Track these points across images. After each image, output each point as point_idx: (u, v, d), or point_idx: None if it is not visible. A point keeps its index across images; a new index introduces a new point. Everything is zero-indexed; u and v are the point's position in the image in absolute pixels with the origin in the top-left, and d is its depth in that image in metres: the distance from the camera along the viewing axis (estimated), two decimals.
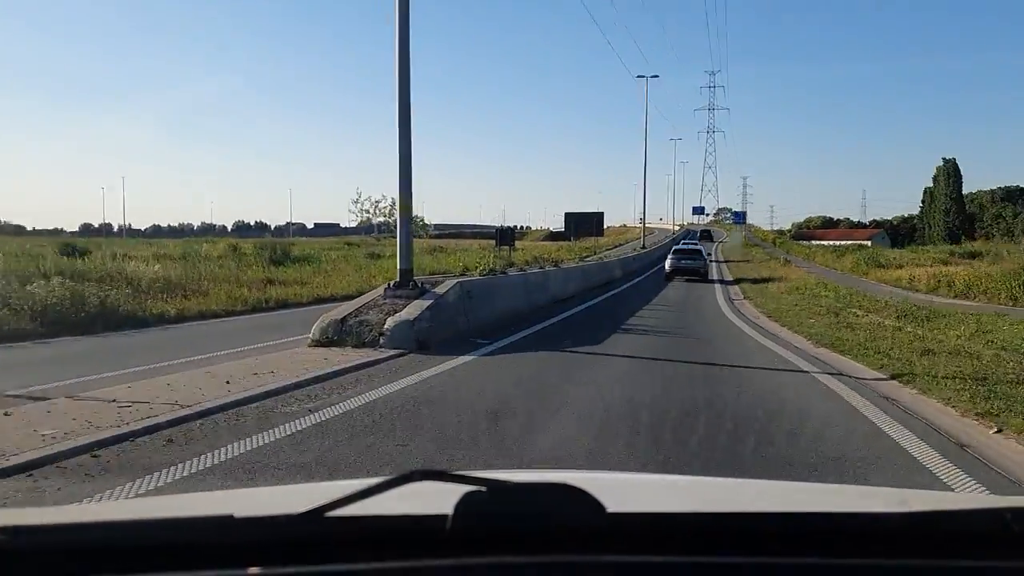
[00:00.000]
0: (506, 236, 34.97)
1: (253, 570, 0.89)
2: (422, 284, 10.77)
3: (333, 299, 16.50)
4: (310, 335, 9.55)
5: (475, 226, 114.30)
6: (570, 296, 18.74)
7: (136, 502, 2.52)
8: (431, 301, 10.10)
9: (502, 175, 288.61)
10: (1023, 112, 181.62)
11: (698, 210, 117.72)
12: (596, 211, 49.84)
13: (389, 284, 10.57)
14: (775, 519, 1.06)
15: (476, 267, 13.16)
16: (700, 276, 27.36)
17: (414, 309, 9.78)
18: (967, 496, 3.63)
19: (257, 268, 24.68)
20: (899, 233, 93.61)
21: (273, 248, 33.18)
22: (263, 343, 10.34)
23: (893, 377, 7.68)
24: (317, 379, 7.06)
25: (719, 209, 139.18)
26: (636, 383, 7.49)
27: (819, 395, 6.98)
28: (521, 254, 40.53)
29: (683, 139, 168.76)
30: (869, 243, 71.44)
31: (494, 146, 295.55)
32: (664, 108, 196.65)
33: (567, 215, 49.23)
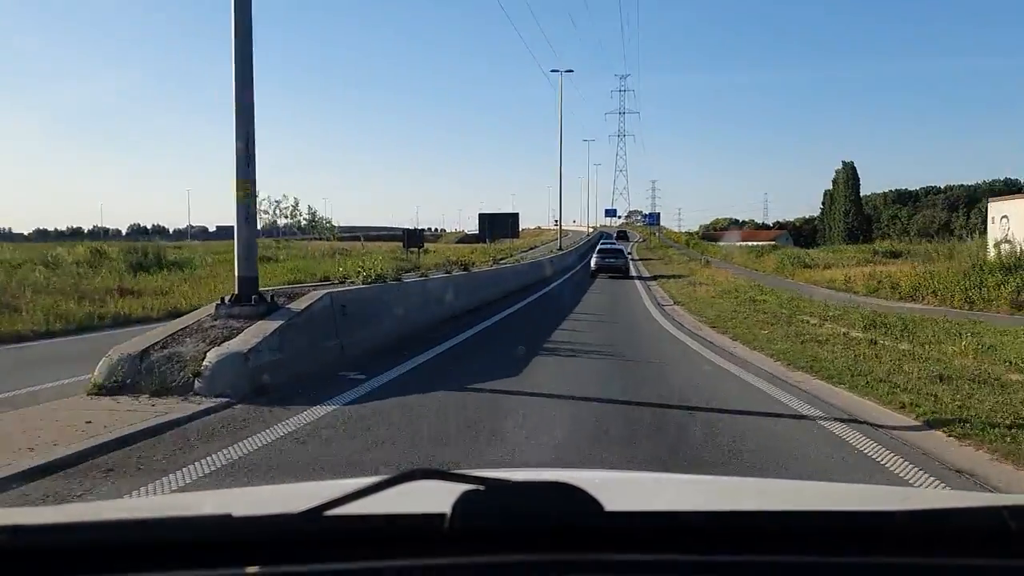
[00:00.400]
0: (415, 238, 32.28)
1: (252, 569, 0.89)
2: (272, 298, 7.81)
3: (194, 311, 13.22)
4: (92, 376, 6.46)
5: (387, 228, 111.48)
6: (482, 305, 16.10)
7: (136, 501, 2.41)
8: (281, 322, 7.18)
9: (416, 177, 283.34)
10: (911, 118, 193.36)
11: (610, 212, 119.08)
12: (511, 212, 47.81)
13: (223, 299, 7.55)
14: (774, 517, 1.06)
15: (362, 272, 10.24)
16: (622, 273, 29.25)
17: (252, 335, 6.83)
18: (966, 494, 3.27)
19: (111, 276, 20.82)
20: (801, 234, 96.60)
21: (144, 252, 28.96)
22: (43, 383, 7.17)
23: (931, 425, 5.40)
24: (25, 474, 4.05)
25: (630, 212, 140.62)
26: (575, 451, 4.87)
27: (854, 465, 4.55)
28: (432, 256, 37.59)
29: (596, 140, 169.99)
30: (773, 244, 72.76)
31: (408, 147, 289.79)
32: (577, 112, 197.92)
33: (481, 216, 46.93)
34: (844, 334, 10.87)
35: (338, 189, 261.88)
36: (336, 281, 10.41)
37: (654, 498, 1.43)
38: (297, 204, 56.79)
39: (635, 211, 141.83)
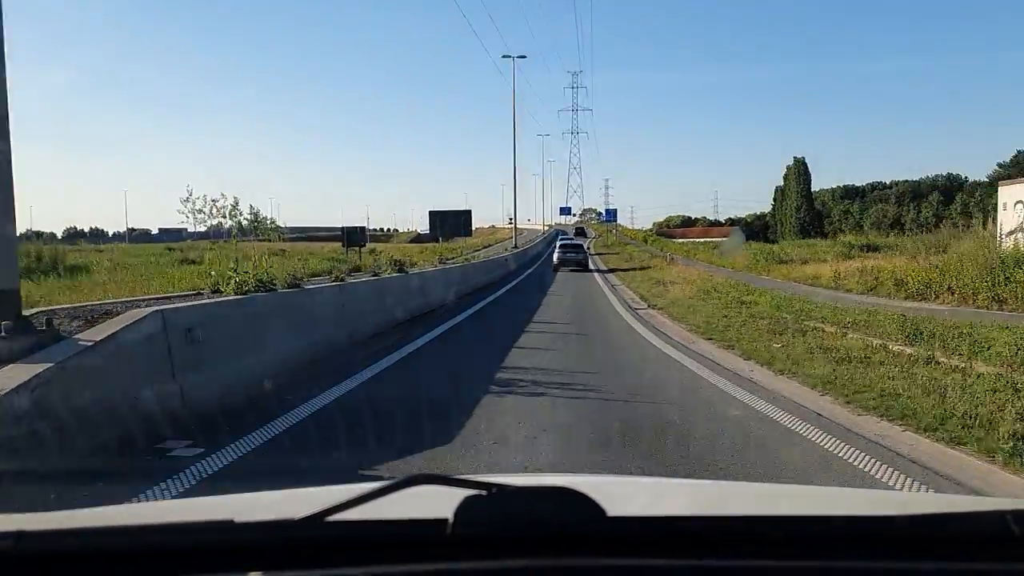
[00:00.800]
0: (355, 236, 29.23)
1: (254, 574, 0.89)
2: (50, 323, 4.83)
3: None
4: None
5: (336, 228, 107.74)
6: (421, 314, 13.24)
7: (138, 507, 2.42)
8: (48, 366, 4.22)
9: (368, 177, 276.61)
10: (857, 116, 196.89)
11: (565, 210, 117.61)
12: (463, 209, 44.67)
13: None
14: (776, 522, 1.07)
15: (233, 279, 7.15)
16: (582, 267, 31.39)
17: None
18: (967, 498, 3.20)
19: None
20: (753, 230, 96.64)
21: (38, 255, 25.28)
22: None
23: None
24: None
25: (584, 210, 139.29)
26: None
27: None
28: (374, 257, 34.54)
29: (550, 136, 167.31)
30: (727, 239, 72.23)
31: (358, 147, 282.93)
32: (531, 109, 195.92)
33: (431, 214, 43.69)
34: (883, 348, 8.38)
35: (292, 191, 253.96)
36: (209, 290, 7.44)
37: (656, 503, 1.40)
38: (237, 203, 53.03)
39: (589, 209, 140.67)
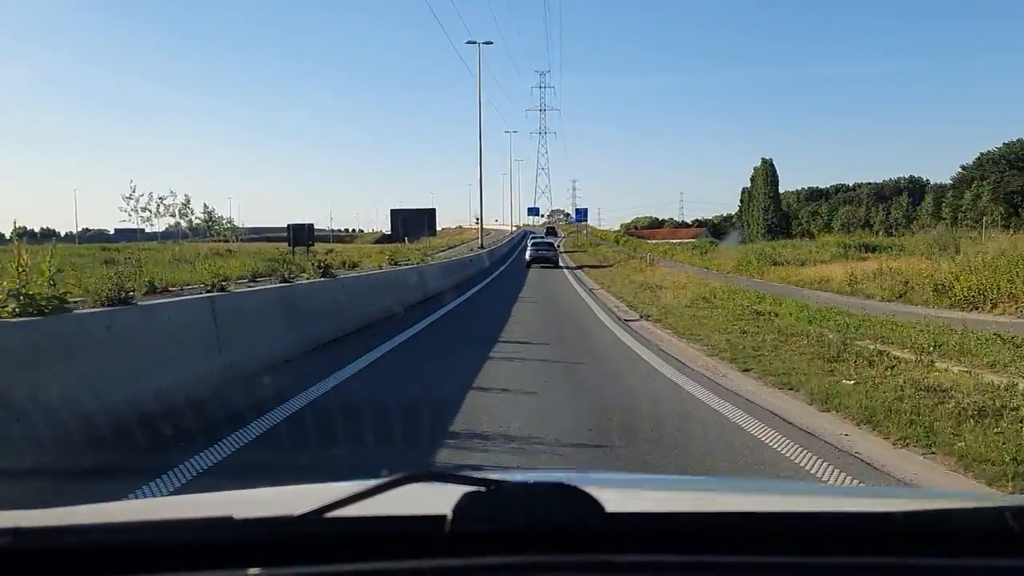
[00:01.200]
0: (301, 235, 26.08)
1: (253, 571, 0.88)
2: None
3: None
4: None
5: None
6: (357, 329, 10.23)
7: (136, 503, 2.35)
8: None
9: (333, 177, 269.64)
10: (819, 119, 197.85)
11: (533, 211, 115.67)
12: (427, 208, 41.46)
13: None
14: (776, 518, 1.05)
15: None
16: (552, 263, 32.68)
17: None
18: (968, 494, 3.07)
19: None
20: (720, 231, 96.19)
21: None
22: None
23: None
24: None
25: (553, 211, 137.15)
26: None
27: None
28: (314, 258, 31.19)
29: (517, 133, 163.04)
30: (695, 241, 70.90)
31: (323, 147, 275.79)
32: (498, 109, 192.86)
33: (393, 212, 40.49)
34: (1009, 389, 5.65)
35: (259, 193, 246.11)
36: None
37: (655, 499, 1.35)
38: (189, 202, 48.51)
39: (558, 210, 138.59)
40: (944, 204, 73.00)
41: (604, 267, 32.47)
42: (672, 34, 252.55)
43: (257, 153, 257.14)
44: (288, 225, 30.87)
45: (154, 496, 3.53)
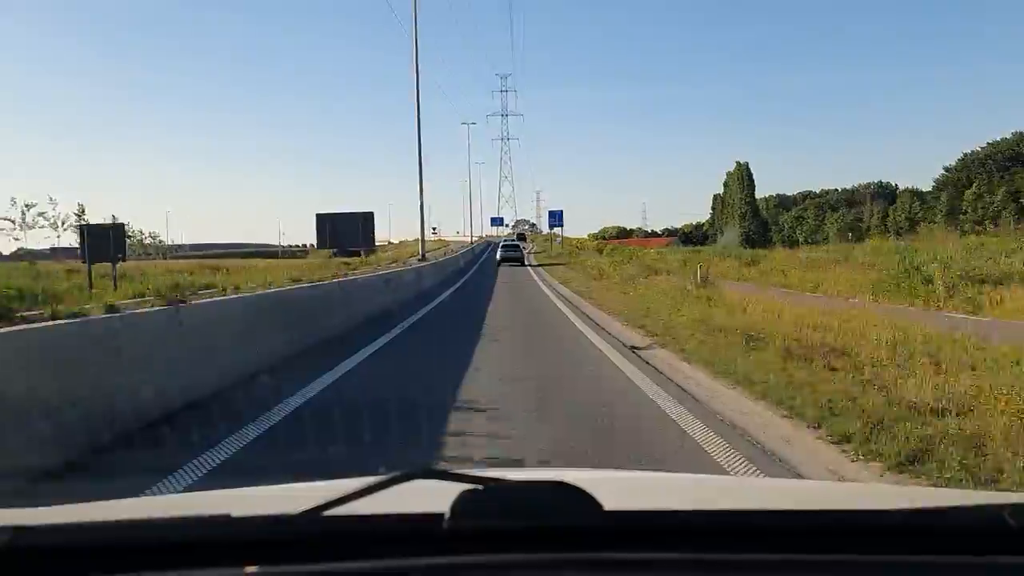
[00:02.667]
0: (103, 245, 19.47)
1: (251, 568, 0.88)
2: None
3: None
4: None
5: (240, 245, 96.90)
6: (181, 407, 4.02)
7: (135, 501, 2.23)
8: None
9: (283, 193, 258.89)
10: (783, 127, 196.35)
11: (496, 221, 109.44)
12: (362, 211, 32.90)
13: None
14: (773, 516, 1.05)
15: None
16: (519, 262, 37.47)
17: None
18: (966, 493, 3.03)
19: None
20: (691, 240, 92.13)
21: None
22: None
23: None
24: None
25: (517, 220, 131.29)
26: None
27: None
28: (235, 277, 24.07)
29: (476, 123, 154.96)
30: (666, 249, 65.43)
31: (273, 162, 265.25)
32: (458, 113, 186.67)
33: (320, 218, 32.34)
34: None
35: (209, 208, 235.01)
36: None
37: (653, 497, 1.37)
38: (83, 212, 37.65)
39: (523, 220, 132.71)
40: (923, 209, 68.74)
41: (615, 289, 19.08)
42: (627, 49, 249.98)
43: (205, 170, 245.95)
44: (80, 227, 20.46)
45: None
